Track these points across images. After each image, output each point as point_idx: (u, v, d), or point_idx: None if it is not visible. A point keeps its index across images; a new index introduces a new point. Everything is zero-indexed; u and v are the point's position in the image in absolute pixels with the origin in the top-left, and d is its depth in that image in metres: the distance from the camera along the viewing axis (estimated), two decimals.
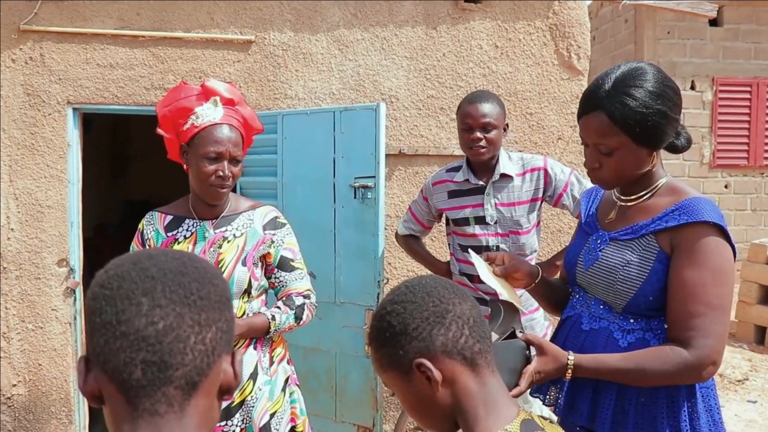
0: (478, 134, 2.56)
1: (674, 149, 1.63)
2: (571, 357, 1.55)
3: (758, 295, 5.88)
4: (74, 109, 3.67)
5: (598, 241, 1.69)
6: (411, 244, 3.01)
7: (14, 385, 3.70)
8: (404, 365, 1.06)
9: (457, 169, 2.75)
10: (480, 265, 1.75)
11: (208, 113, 2.00)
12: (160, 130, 2.05)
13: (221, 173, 1.98)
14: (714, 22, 7.88)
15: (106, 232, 7.28)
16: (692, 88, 8.01)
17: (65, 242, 3.67)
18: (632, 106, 1.49)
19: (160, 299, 0.78)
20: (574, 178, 2.66)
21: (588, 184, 2.67)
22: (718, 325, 1.48)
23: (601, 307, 1.66)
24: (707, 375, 1.50)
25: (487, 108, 2.56)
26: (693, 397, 1.57)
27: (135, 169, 8.05)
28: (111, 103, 3.67)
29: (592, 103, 1.55)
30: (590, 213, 1.81)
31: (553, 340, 1.77)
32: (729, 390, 4.82)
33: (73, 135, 3.67)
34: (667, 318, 1.54)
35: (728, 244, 1.52)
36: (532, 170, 2.65)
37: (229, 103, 2.05)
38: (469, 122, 2.57)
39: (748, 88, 8.02)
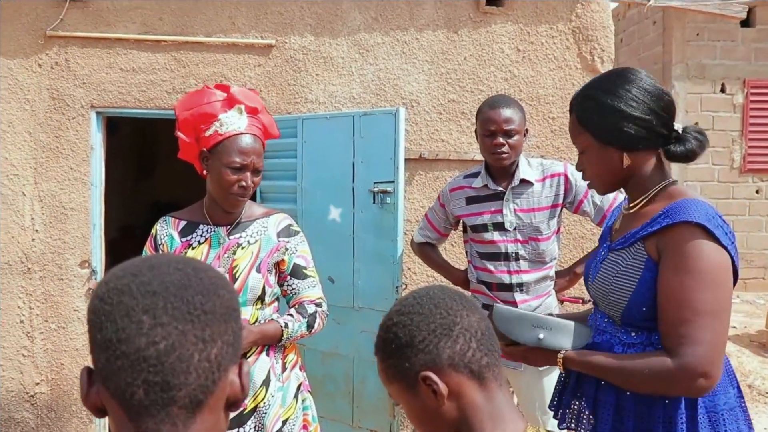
0: (501, 139, 2.52)
1: (673, 156, 1.54)
2: (562, 352, 1.60)
3: None
4: (97, 113, 3.72)
5: (602, 253, 1.69)
6: (427, 252, 2.97)
7: (37, 384, 3.76)
8: (410, 378, 1.05)
9: (475, 175, 2.71)
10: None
11: (233, 121, 1.99)
12: (179, 133, 2.05)
13: (244, 183, 1.99)
14: (745, 23, 7.71)
15: (132, 233, 7.36)
16: (722, 90, 7.84)
17: (88, 244, 3.71)
18: (589, 105, 1.56)
19: (161, 316, 0.75)
20: None
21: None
22: (707, 333, 1.39)
23: (606, 320, 1.64)
24: (698, 388, 1.40)
25: (509, 113, 2.53)
26: (694, 422, 1.48)
27: (161, 170, 8.13)
28: (133, 107, 3.71)
29: (569, 107, 1.65)
30: (608, 225, 1.80)
31: None
32: (759, 402, 4.70)
33: (96, 138, 3.72)
34: (658, 325, 1.49)
35: (720, 245, 1.42)
36: (553, 176, 2.61)
37: (252, 111, 2.05)
38: (491, 128, 2.53)
39: None
